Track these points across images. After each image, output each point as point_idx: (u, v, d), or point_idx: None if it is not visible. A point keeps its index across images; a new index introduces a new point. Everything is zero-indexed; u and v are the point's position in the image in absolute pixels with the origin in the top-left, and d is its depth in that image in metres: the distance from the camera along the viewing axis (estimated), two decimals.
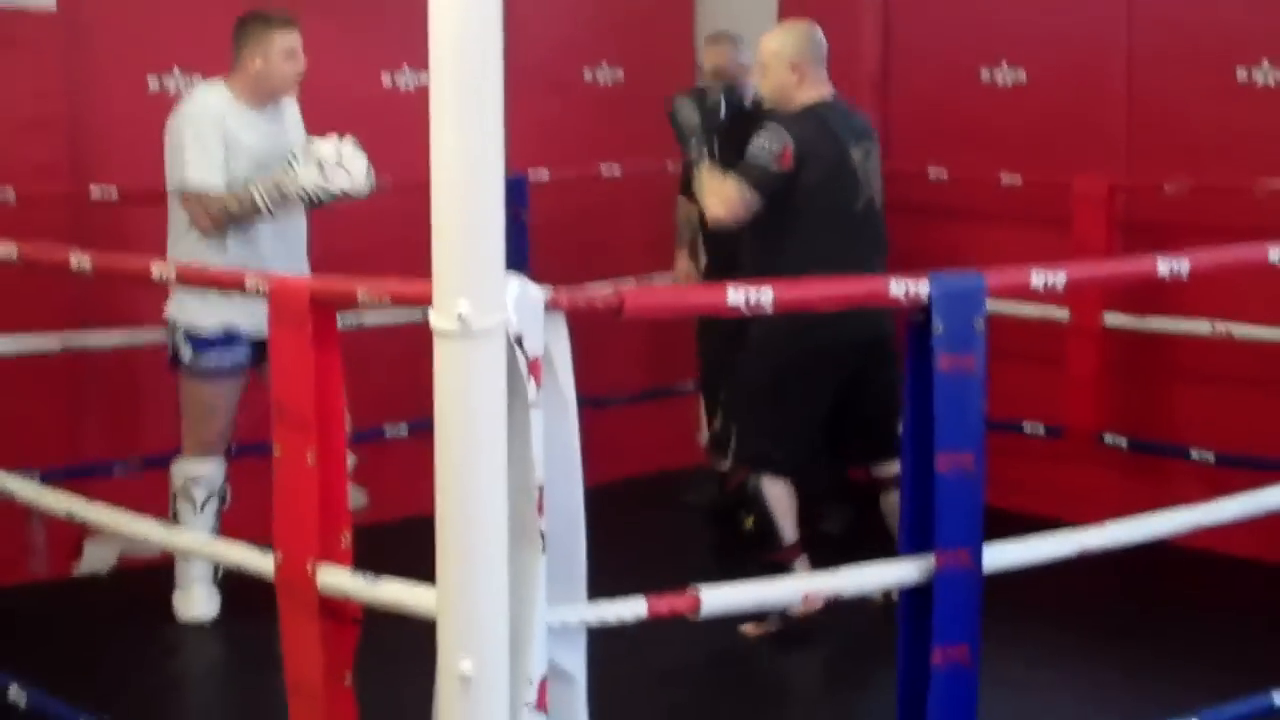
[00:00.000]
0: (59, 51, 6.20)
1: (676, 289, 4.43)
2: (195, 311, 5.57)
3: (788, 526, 5.35)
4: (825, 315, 4.77)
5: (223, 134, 5.49)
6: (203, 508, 5.66)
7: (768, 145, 5.20)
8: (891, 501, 5.23)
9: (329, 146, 5.33)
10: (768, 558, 5.27)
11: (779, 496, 5.37)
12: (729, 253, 5.70)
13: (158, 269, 3.93)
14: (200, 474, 5.66)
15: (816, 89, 5.41)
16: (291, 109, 5.79)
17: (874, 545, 4.01)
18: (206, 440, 5.70)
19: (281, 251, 5.56)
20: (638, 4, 7.69)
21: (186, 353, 5.63)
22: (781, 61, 5.38)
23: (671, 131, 5.56)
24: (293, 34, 5.59)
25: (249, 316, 5.45)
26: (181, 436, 5.75)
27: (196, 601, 5.73)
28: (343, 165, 5.33)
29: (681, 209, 6.84)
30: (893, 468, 5.09)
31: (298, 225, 5.70)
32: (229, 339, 5.58)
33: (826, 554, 4.67)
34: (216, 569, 5.71)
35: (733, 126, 5.55)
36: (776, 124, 5.28)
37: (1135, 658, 5.41)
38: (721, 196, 5.23)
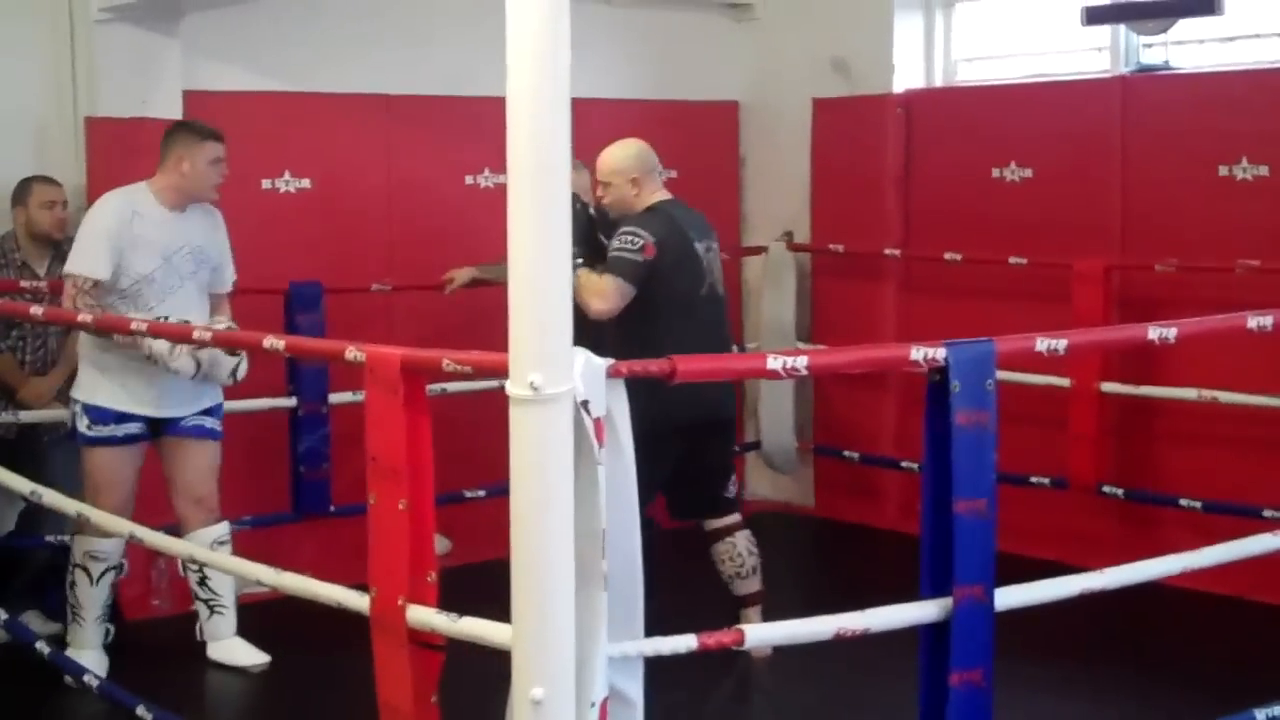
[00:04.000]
0: None
1: (721, 356, 4.46)
2: (92, 391, 5.31)
3: None
4: (680, 397, 4.69)
5: (117, 237, 5.21)
6: (99, 580, 5.37)
7: (631, 241, 5.19)
8: (718, 550, 5.55)
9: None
10: None
11: None
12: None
13: (269, 341, 3.89)
14: (99, 550, 5.35)
15: (654, 194, 5.43)
16: (209, 217, 5.49)
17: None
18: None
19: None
20: (690, 122, 7.72)
21: (83, 423, 5.33)
22: (622, 178, 5.40)
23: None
24: (221, 146, 5.39)
25: (138, 402, 5.31)
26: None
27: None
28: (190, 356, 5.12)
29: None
30: (718, 522, 5.52)
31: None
32: (121, 416, 5.31)
33: None
34: (107, 633, 5.48)
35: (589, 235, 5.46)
36: (633, 224, 5.28)
37: (1133, 684, 5.34)
38: (599, 292, 5.16)
